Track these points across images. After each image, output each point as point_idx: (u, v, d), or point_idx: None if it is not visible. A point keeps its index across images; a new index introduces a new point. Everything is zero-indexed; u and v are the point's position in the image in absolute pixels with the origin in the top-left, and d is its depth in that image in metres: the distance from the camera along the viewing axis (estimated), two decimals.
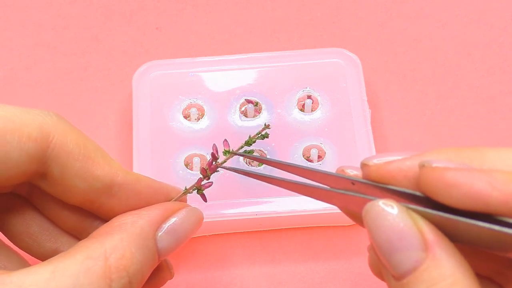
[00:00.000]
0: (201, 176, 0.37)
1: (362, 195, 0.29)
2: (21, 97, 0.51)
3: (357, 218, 0.30)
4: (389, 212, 0.28)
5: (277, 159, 0.40)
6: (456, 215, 0.27)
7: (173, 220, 0.35)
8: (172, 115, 0.47)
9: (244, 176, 0.44)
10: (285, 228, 0.46)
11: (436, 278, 0.27)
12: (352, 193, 0.30)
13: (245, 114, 0.47)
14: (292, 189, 0.33)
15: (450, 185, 0.27)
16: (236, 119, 0.47)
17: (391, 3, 0.55)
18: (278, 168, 0.35)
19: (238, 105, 0.47)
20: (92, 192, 0.35)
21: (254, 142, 0.37)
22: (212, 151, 0.37)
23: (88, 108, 0.50)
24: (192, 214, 0.36)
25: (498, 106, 0.50)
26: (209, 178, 0.37)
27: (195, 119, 0.47)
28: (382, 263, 0.29)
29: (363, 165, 0.30)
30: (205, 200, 0.38)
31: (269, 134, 0.37)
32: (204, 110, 0.47)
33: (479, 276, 0.31)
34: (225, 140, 0.37)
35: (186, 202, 0.38)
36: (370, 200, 0.28)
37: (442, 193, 0.27)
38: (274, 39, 0.53)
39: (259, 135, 0.37)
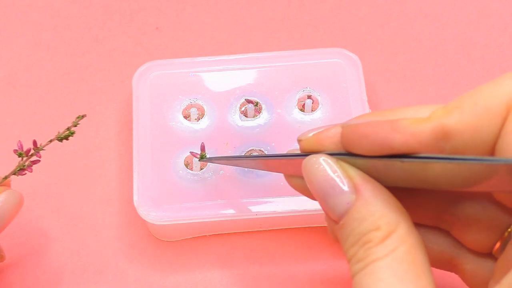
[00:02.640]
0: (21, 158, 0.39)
1: (302, 156, 0.33)
2: (21, 97, 0.51)
3: (302, 188, 0.35)
4: (321, 163, 0.32)
5: (240, 155, 0.45)
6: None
7: None
8: (172, 115, 0.47)
9: (244, 176, 0.45)
10: (285, 228, 0.46)
11: (365, 214, 0.30)
12: (294, 156, 0.35)
13: (245, 114, 0.47)
14: (256, 167, 0.39)
15: (362, 136, 0.31)
16: (236, 119, 0.47)
17: (391, 3, 0.55)
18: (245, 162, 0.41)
19: (238, 105, 0.47)
20: None
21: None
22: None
23: (88, 108, 0.50)
24: (11, 196, 0.39)
25: None
26: (24, 165, 0.39)
27: (195, 119, 0.47)
28: (324, 210, 0.32)
29: (299, 141, 0.34)
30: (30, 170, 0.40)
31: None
32: (204, 110, 0.47)
33: (428, 226, 0.35)
34: (19, 141, 0.40)
35: (9, 186, 0.40)
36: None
37: (357, 144, 0.31)
38: (274, 39, 0.53)
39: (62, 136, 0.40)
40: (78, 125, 0.40)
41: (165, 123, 0.47)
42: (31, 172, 0.39)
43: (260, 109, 0.47)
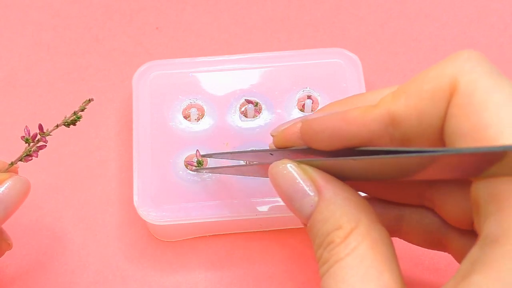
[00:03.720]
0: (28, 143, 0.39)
1: (269, 163, 0.33)
2: (21, 97, 0.51)
3: None
4: (283, 168, 0.32)
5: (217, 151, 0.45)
6: (338, 157, 0.31)
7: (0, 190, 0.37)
8: (172, 115, 0.47)
9: (244, 176, 0.45)
10: (285, 228, 0.46)
11: (327, 215, 0.30)
12: (261, 162, 0.36)
13: (245, 114, 0.47)
14: (237, 174, 0.41)
15: (317, 132, 0.31)
16: (236, 119, 0.47)
17: (391, 3, 0.55)
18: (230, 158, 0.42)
19: (238, 105, 0.47)
20: None
21: None
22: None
23: (88, 108, 0.50)
24: (18, 182, 0.38)
25: None
26: (30, 151, 0.39)
27: (195, 119, 0.47)
28: (294, 214, 0.32)
29: (272, 136, 0.35)
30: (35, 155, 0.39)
31: None
32: (204, 110, 0.47)
33: (414, 206, 0.35)
34: (26, 126, 0.39)
35: (17, 173, 0.39)
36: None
37: (314, 140, 0.31)
38: (274, 39, 0.53)
39: (69, 121, 0.39)
40: (77, 125, 0.39)
41: (165, 123, 0.47)
42: (37, 157, 0.39)
43: (260, 109, 0.47)
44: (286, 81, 0.48)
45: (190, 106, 0.47)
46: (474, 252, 0.27)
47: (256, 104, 0.47)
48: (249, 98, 0.47)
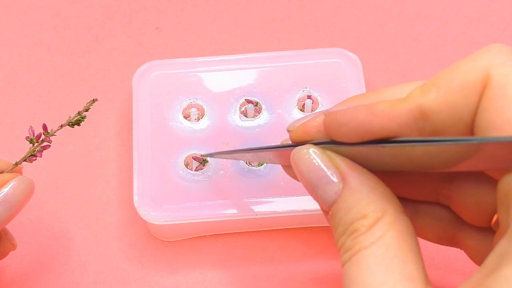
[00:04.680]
0: (32, 143, 0.39)
1: (291, 147, 0.33)
2: (21, 97, 0.51)
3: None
4: (308, 153, 0.31)
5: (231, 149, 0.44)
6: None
7: (4, 190, 0.37)
8: (172, 115, 0.47)
9: (244, 176, 0.45)
10: (285, 228, 0.46)
11: (352, 203, 0.30)
12: (283, 147, 0.34)
13: (245, 114, 0.47)
14: (253, 160, 0.39)
15: (342, 124, 0.30)
16: (236, 119, 0.47)
17: (391, 3, 0.55)
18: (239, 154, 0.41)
19: (238, 105, 0.47)
20: None
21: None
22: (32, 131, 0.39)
23: None
24: (23, 182, 0.38)
25: None
26: (34, 151, 0.39)
27: (195, 119, 0.47)
28: (315, 201, 0.32)
29: (288, 131, 0.34)
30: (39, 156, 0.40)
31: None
32: (204, 110, 0.47)
33: (428, 202, 0.35)
34: (30, 126, 0.39)
35: (21, 173, 0.39)
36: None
37: (339, 132, 0.30)
38: (274, 39, 0.53)
39: (74, 121, 0.39)
40: (79, 124, 0.39)
41: (165, 123, 0.47)
42: (41, 157, 0.39)
43: (260, 109, 0.47)
44: (286, 81, 0.48)
45: (190, 106, 0.47)
46: (502, 245, 0.27)
47: (256, 104, 0.47)
48: (249, 98, 0.47)
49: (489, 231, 0.33)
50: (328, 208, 0.31)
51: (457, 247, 0.35)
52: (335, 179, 0.31)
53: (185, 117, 0.47)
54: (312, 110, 0.47)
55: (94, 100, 0.39)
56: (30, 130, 0.39)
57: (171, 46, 0.53)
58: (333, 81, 0.48)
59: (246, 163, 0.45)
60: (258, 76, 0.49)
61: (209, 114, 0.47)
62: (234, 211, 0.44)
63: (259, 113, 0.47)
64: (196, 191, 0.44)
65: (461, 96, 0.28)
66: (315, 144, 0.32)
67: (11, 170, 0.39)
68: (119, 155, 0.49)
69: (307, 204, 0.43)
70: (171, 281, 0.44)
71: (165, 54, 0.53)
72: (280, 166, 0.45)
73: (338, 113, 0.30)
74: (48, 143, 0.39)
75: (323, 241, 0.45)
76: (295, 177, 0.34)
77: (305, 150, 0.32)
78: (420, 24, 0.54)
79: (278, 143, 0.42)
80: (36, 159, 0.39)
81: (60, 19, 0.54)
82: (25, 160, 0.39)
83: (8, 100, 0.51)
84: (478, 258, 0.34)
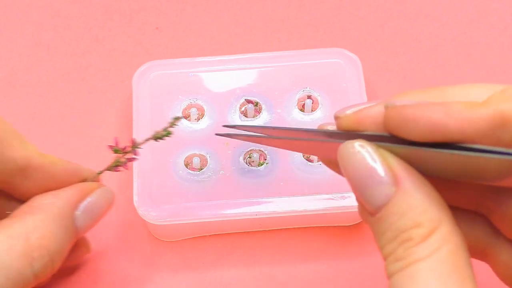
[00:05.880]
0: (120, 154, 0.40)
1: (337, 140, 0.30)
2: (21, 97, 0.51)
3: (337, 167, 0.30)
4: (359, 150, 0.29)
5: (259, 125, 0.41)
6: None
7: (89, 199, 0.38)
8: (172, 115, 0.47)
9: (244, 176, 0.45)
10: (285, 228, 0.46)
11: (406, 209, 0.28)
12: (328, 139, 0.31)
13: (245, 114, 0.47)
14: (280, 146, 0.34)
15: (410, 120, 0.28)
16: (236, 119, 0.47)
17: (391, 3, 0.55)
18: (267, 135, 0.36)
19: (238, 105, 0.47)
20: (6, 173, 0.36)
21: (162, 137, 0.40)
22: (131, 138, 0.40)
23: (88, 108, 0.50)
24: (105, 193, 0.39)
25: None
26: (119, 161, 0.40)
27: (195, 119, 0.47)
28: (359, 200, 0.29)
29: (336, 118, 0.31)
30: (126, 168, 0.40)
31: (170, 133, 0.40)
32: (204, 110, 0.47)
33: (464, 210, 0.32)
34: (115, 137, 0.40)
35: (100, 182, 0.41)
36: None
37: (404, 128, 0.28)
38: (274, 39, 0.53)
39: (165, 132, 0.39)
40: (164, 139, 0.40)
41: (165, 123, 0.47)
42: (127, 169, 0.40)
43: (260, 109, 0.47)
44: (286, 81, 0.48)
45: (190, 106, 0.47)
46: None
47: (256, 104, 0.47)
48: (249, 98, 0.47)
49: None
50: (375, 210, 0.29)
51: (484, 260, 0.33)
52: (388, 180, 0.28)
53: (185, 117, 0.47)
54: (312, 110, 0.47)
55: (178, 118, 0.39)
56: (114, 141, 0.40)
57: (171, 46, 0.53)
58: (333, 81, 0.48)
59: (246, 163, 0.45)
60: (258, 76, 0.49)
61: (209, 114, 0.47)
62: (234, 211, 0.44)
63: (259, 113, 0.47)
64: (196, 191, 0.44)
65: None
66: (367, 136, 0.30)
67: (93, 179, 0.40)
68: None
69: (307, 204, 0.43)
70: (171, 281, 0.44)
71: (165, 54, 0.53)
72: (281, 165, 0.45)
73: (407, 107, 0.28)
74: (134, 156, 0.40)
75: (323, 241, 0.45)
76: (338, 172, 0.32)
77: (357, 146, 0.29)
78: (420, 24, 0.54)
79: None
80: (120, 170, 0.40)
81: (60, 19, 0.54)
82: (109, 170, 0.40)
83: (8, 100, 0.51)
84: (508, 275, 0.33)
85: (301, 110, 0.47)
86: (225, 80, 0.48)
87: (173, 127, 0.39)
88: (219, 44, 0.53)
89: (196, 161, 0.45)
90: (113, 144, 0.40)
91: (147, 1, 0.55)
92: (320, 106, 0.47)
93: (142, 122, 0.46)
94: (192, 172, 0.45)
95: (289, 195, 0.44)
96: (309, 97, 0.47)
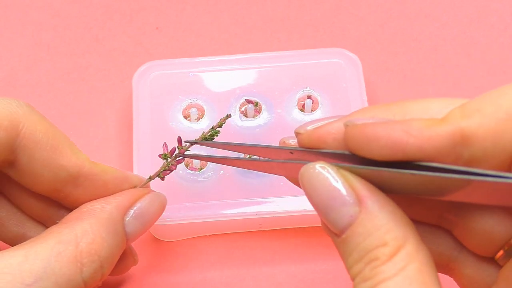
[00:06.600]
0: (167, 161, 0.39)
1: (298, 161, 0.30)
2: (21, 97, 0.51)
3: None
4: (320, 172, 0.29)
5: (224, 142, 0.40)
6: (383, 167, 0.28)
7: (139, 205, 0.37)
8: (172, 115, 0.47)
9: (244, 176, 0.45)
10: (285, 228, 0.46)
11: (370, 229, 0.28)
12: (289, 161, 0.31)
13: (245, 114, 0.47)
14: (241, 166, 0.36)
15: (370, 139, 0.27)
16: (236, 119, 0.47)
17: (391, 3, 0.55)
18: (231, 150, 0.37)
19: (238, 105, 0.47)
20: (58, 181, 0.36)
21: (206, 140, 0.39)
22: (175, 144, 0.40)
23: (88, 108, 0.50)
24: (157, 198, 0.39)
25: None
26: (169, 166, 0.39)
27: (195, 119, 0.47)
28: (323, 222, 0.29)
29: (297, 134, 0.31)
30: (162, 179, 0.40)
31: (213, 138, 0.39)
32: (204, 110, 0.47)
33: (427, 224, 0.32)
34: (164, 143, 0.40)
35: (149, 188, 0.40)
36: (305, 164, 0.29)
37: (365, 147, 0.28)
38: (274, 39, 0.54)
39: (208, 136, 0.39)
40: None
41: (165, 123, 0.47)
42: (175, 169, 0.40)
43: (260, 109, 0.47)
44: (286, 81, 0.48)
45: (190, 106, 0.47)
46: None
47: (256, 104, 0.47)
48: (249, 98, 0.47)
49: (490, 261, 0.32)
50: (340, 232, 0.29)
51: (449, 274, 0.34)
52: (351, 201, 0.28)
53: (185, 117, 0.47)
54: (312, 110, 0.47)
55: (228, 116, 0.39)
56: (164, 147, 0.39)
57: (171, 46, 0.53)
58: (333, 81, 0.48)
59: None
60: (258, 76, 0.49)
61: (209, 114, 0.47)
62: (234, 211, 0.44)
63: (259, 113, 0.47)
64: (196, 191, 0.44)
65: (509, 125, 0.26)
66: (327, 154, 0.30)
67: (143, 186, 0.39)
68: (119, 155, 0.49)
69: (307, 204, 0.43)
70: (171, 281, 0.44)
71: (165, 54, 0.53)
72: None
73: (366, 126, 0.28)
74: (182, 157, 0.39)
75: (323, 241, 0.45)
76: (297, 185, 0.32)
77: (317, 168, 0.29)
78: (420, 24, 0.54)
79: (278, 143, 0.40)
80: (169, 172, 0.40)
81: (60, 19, 0.54)
82: (158, 176, 0.40)
83: None
84: None
85: (301, 110, 0.47)
86: (225, 80, 0.48)
87: (221, 126, 0.39)
88: (219, 44, 0.53)
89: (196, 161, 0.45)
90: (164, 151, 0.39)
91: (147, 1, 0.55)
92: (320, 106, 0.47)
93: (142, 122, 0.46)
94: (192, 172, 0.45)
95: (289, 195, 0.44)
96: (309, 97, 0.47)
